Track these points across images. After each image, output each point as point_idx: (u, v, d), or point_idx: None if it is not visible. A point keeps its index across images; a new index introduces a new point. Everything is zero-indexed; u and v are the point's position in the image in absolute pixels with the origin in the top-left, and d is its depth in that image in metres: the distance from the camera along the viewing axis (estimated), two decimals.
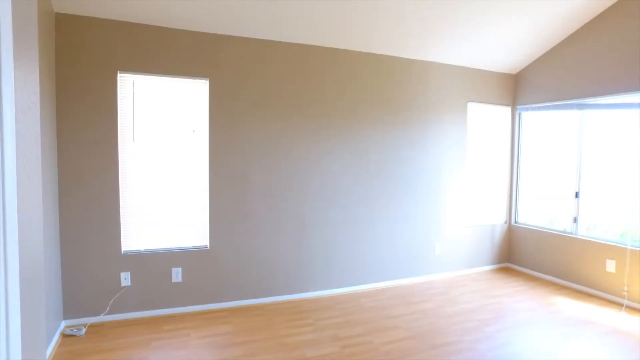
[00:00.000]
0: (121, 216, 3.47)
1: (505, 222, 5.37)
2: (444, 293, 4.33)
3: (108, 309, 3.46)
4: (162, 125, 3.59)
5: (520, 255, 5.24)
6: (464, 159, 4.97)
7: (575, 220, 4.62)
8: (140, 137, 3.52)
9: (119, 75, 3.40)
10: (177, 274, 3.66)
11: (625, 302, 4.06)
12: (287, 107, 3.98)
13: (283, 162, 3.99)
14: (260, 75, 3.86)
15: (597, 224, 4.47)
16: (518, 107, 5.24)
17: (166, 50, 3.51)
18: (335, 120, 4.20)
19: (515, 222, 5.35)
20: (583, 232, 4.56)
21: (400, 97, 4.51)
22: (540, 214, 5.07)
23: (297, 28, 3.72)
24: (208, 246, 3.76)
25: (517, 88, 5.24)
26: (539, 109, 5.00)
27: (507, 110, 5.28)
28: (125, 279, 3.50)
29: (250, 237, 3.90)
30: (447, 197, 4.88)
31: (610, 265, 4.19)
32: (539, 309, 3.90)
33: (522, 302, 4.08)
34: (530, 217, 5.19)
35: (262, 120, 3.89)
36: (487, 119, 5.17)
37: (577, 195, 4.60)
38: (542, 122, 5.05)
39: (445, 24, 3.95)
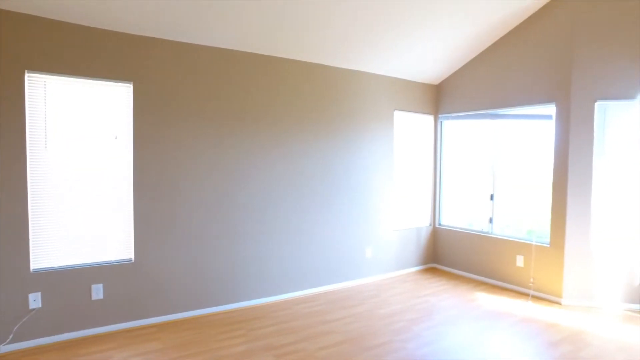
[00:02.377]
0: (31, 230, 3.14)
1: (430, 225, 5.69)
2: (376, 296, 4.47)
3: (11, 336, 3.09)
4: (80, 131, 3.32)
5: (444, 256, 5.57)
6: (391, 165, 5.19)
7: (490, 220, 5.02)
8: (54, 143, 3.21)
9: (26, 75, 3.08)
10: (97, 291, 3.38)
11: (532, 292, 4.49)
12: (219, 114, 3.88)
13: (215, 170, 3.88)
14: (191, 81, 3.73)
15: (509, 223, 4.90)
16: (440, 115, 5.60)
17: (84, 51, 3.25)
18: (268, 128, 4.17)
19: (439, 225, 5.68)
20: (498, 231, 4.97)
21: (331, 104, 4.60)
22: (461, 216, 5.45)
23: (229, 33, 3.65)
24: (133, 259, 3.54)
25: (438, 98, 5.60)
26: (458, 117, 5.38)
27: (430, 118, 5.61)
28: (35, 300, 3.16)
29: (181, 247, 3.73)
30: (376, 202, 5.05)
31: (520, 260, 4.61)
32: (461, 305, 4.18)
33: (447, 300, 4.34)
34: (453, 219, 5.56)
35: (193, 127, 3.75)
36: (412, 127, 5.46)
37: (492, 197, 5.01)
38: (461, 130, 5.44)
39: (376, 37, 4.10)
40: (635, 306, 4.11)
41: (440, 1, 3.74)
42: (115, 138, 3.45)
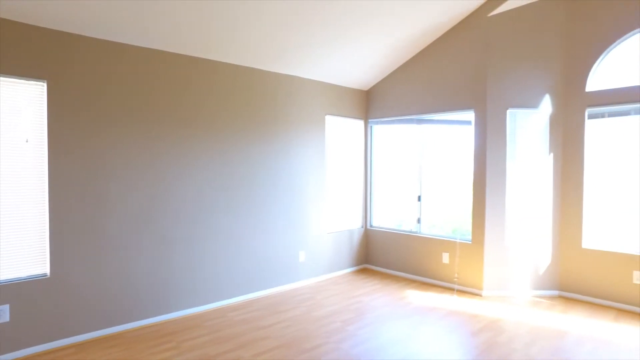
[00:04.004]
0: None
1: (362, 227, 5.86)
2: (310, 298, 4.51)
3: None
4: None
5: (376, 256, 5.76)
6: (324, 169, 5.27)
7: (418, 220, 5.29)
8: None
9: None
10: (2, 314, 3.05)
11: (456, 286, 4.80)
12: (149, 117, 3.69)
13: (144, 176, 3.68)
14: (117, 82, 3.50)
15: (435, 223, 5.19)
16: (370, 120, 5.80)
17: None
18: (200, 132, 4.05)
19: (371, 226, 5.87)
20: (425, 230, 5.25)
21: (264, 109, 4.58)
22: (391, 217, 5.67)
23: (156, 33, 3.49)
24: (48, 274, 3.24)
25: (368, 103, 5.80)
26: (387, 122, 5.61)
27: (360, 123, 5.79)
28: None
29: (106, 258, 3.48)
30: (309, 205, 5.10)
31: (446, 258, 4.90)
32: (393, 303, 4.34)
33: (379, 299, 4.49)
34: (383, 220, 5.77)
35: (120, 131, 3.52)
36: (344, 131, 5.59)
37: (419, 198, 5.27)
38: (390, 134, 5.67)
39: (308, 42, 4.15)
40: (541, 292, 4.55)
41: (369, 10, 3.88)
42: (27, 141, 3.15)
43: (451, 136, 5.07)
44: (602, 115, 4.29)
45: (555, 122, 4.51)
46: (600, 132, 4.34)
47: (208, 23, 3.51)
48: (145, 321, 3.73)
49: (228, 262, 4.31)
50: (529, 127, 4.54)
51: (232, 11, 3.42)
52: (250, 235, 4.50)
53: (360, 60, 4.86)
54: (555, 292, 4.57)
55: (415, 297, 4.57)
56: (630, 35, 4.06)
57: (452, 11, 4.37)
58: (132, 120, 3.62)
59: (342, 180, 5.58)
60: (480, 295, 4.57)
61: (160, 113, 3.79)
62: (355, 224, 5.77)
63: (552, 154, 4.52)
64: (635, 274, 4.06)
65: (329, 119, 5.34)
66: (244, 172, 4.42)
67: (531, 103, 4.48)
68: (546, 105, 4.49)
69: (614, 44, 4.14)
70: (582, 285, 4.41)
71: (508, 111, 4.48)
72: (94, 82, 3.41)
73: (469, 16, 4.57)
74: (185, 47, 3.81)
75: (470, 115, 4.69)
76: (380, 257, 5.70)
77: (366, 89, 5.75)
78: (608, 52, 4.21)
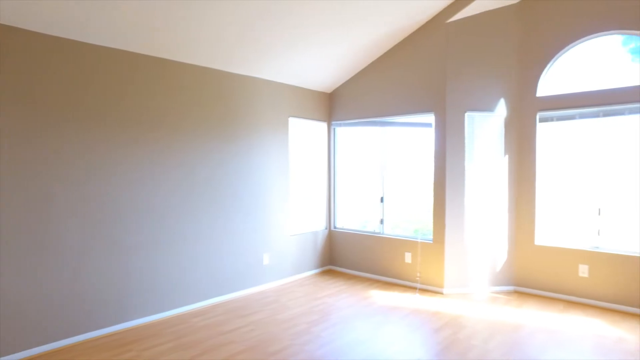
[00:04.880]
0: None
1: (326, 228, 5.88)
2: (275, 301, 4.47)
3: None
4: None
5: (340, 258, 5.80)
6: (287, 171, 5.25)
7: (381, 221, 5.37)
8: None
9: None
10: None
11: (419, 285, 4.91)
12: (103, 118, 3.53)
13: (97, 180, 3.52)
14: (59, 79, 3.32)
15: (398, 223, 5.30)
16: (333, 122, 5.84)
17: None
18: (159, 135, 3.93)
19: (335, 228, 5.91)
20: (388, 231, 5.34)
21: (226, 111, 4.51)
22: (355, 218, 5.73)
23: (102, 28, 3.35)
24: None
25: (331, 105, 5.83)
26: (350, 125, 5.67)
27: (323, 125, 5.81)
28: None
29: (53, 268, 3.29)
30: (273, 208, 5.07)
31: (408, 257, 5.01)
32: (357, 304, 4.38)
33: (343, 300, 4.52)
34: (347, 221, 5.82)
35: (68, 130, 3.35)
36: (307, 134, 5.60)
37: (382, 200, 5.36)
38: (353, 136, 5.73)
39: (270, 44, 4.12)
40: (498, 288, 4.74)
41: (332, 13, 3.91)
42: None
43: (412, 138, 5.20)
44: (552, 119, 4.54)
45: (510, 125, 4.71)
46: (550, 135, 4.58)
47: (166, 21, 3.41)
48: (100, 331, 3.57)
49: (190, 267, 4.21)
50: (486, 129, 4.72)
51: (191, 11, 3.35)
52: (213, 239, 4.41)
53: (323, 62, 4.89)
54: (511, 288, 4.77)
55: (379, 296, 4.63)
56: (576, 44, 4.32)
57: (413, 17, 4.48)
58: (76, 119, 3.45)
59: (305, 182, 5.59)
60: (441, 293, 4.70)
61: (118, 114, 3.64)
62: (319, 226, 5.78)
63: (507, 156, 4.73)
64: (581, 267, 4.31)
65: (293, 121, 5.33)
66: (206, 175, 4.33)
67: (488, 107, 4.66)
68: (501, 109, 4.69)
69: (561, 51, 4.39)
70: (535, 280, 4.63)
71: (466, 114, 4.64)
72: (30, 78, 3.21)
73: (428, 22, 4.70)
74: (138, 45, 3.68)
75: (430, 118, 4.82)
76: (344, 258, 5.74)
77: (329, 91, 5.79)
78: (556, 59, 4.45)
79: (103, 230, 3.57)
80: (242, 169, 4.69)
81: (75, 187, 3.40)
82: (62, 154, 3.33)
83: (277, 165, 5.10)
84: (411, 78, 4.92)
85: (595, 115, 4.26)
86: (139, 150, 3.79)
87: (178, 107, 4.09)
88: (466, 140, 4.66)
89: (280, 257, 5.16)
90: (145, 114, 3.84)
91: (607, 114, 4.20)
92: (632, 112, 4.06)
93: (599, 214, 4.29)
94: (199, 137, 4.26)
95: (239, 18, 3.61)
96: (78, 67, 3.41)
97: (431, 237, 4.82)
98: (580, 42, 4.30)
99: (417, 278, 4.93)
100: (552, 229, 4.59)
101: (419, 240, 4.93)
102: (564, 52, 4.41)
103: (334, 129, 5.87)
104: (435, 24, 4.66)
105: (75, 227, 3.40)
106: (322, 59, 4.79)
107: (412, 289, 4.91)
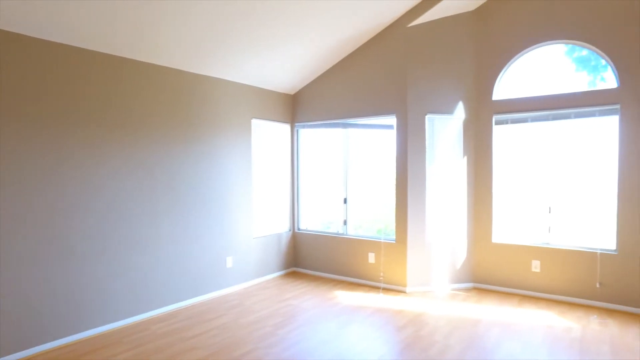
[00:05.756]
0: None
1: (290, 230, 5.86)
2: (239, 305, 4.40)
3: None
4: None
5: (304, 259, 5.79)
6: (250, 173, 5.19)
7: (345, 222, 5.41)
8: None
9: None
10: None
11: (382, 285, 4.99)
12: (59, 117, 3.35)
13: (49, 182, 3.33)
14: (6, 74, 3.13)
15: (361, 224, 5.36)
16: (296, 124, 5.83)
17: None
18: (119, 136, 3.77)
19: (298, 229, 5.90)
20: (352, 232, 5.39)
21: (188, 112, 4.40)
22: (319, 219, 5.75)
23: (52, 23, 3.18)
24: None
25: (295, 107, 5.83)
26: (313, 126, 5.68)
27: (287, 127, 5.80)
28: None
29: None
30: (236, 210, 4.99)
31: (372, 257, 5.08)
32: (322, 305, 4.39)
33: (308, 301, 4.52)
34: (311, 223, 5.82)
35: (16, 130, 3.15)
36: (270, 135, 5.56)
37: (345, 201, 5.41)
38: (316, 138, 5.75)
39: (232, 44, 4.06)
40: (458, 285, 4.90)
41: (295, 15, 3.91)
42: None
43: (375, 140, 5.28)
44: (506, 122, 4.75)
45: (468, 127, 4.89)
46: (505, 137, 4.79)
47: (130, 21, 3.29)
48: (53, 344, 3.37)
49: (150, 273, 4.06)
50: (446, 131, 4.87)
51: (152, 10, 3.25)
52: (176, 242, 4.28)
53: (286, 64, 4.88)
54: (470, 285, 4.94)
55: (344, 297, 4.66)
56: (527, 51, 4.55)
57: (375, 20, 4.56)
58: (38, 120, 3.26)
59: (269, 184, 5.54)
60: (404, 292, 4.80)
61: (77, 115, 3.46)
62: (283, 228, 5.75)
63: (465, 157, 4.90)
64: (534, 262, 4.54)
65: (255, 123, 5.28)
66: (166, 178, 4.21)
67: (447, 109, 4.81)
68: (460, 111, 4.85)
69: (515, 57, 4.61)
70: (492, 276, 4.82)
71: (427, 116, 4.77)
72: None
73: (390, 25, 4.80)
74: (94, 42, 3.53)
75: (392, 120, 4.92)
76: (308, 259, 5.74)
77: (293, 92, 5.78)
78: (510, 64, 4.67)
79: (55, 238, 3.38)
80: (204, 171, 4.59)
81: (20, 194, 3.20)
82: (5, 158, 3.12)
83: (240, 167, 5.03)
84: (374, 80, 5.00)
85: (545, 118, 4.50)
86: (96, 151, 3.62)
87: (138, 107, 3.95)
88: (427, 142, 4.79)
89: (244, 260, 5.08)
90: (103, 115, 3.68)
91: (556, 118, 4.45)
92: (577, 115, 4.33)
93: (550, 211, 4.53)
94: (160, 139, 4.13)
95: (200, 17, 3.54)
96: (33, 66, 3.22)
97: (394, 237, 4.91)
98: (531, 50, 4.53)
99: (381, 278, 5.00)
100: (508, 227, 4.80)
101: (382, 241, 5.01)
102: (517, 58, 4.63)
103: (297, 130, 5.87)
104: (397, 28, 4.76)
105: (21, 235, 3.20)
106: (286, 60, 4.78)
107: (376, 288, 4.98)
